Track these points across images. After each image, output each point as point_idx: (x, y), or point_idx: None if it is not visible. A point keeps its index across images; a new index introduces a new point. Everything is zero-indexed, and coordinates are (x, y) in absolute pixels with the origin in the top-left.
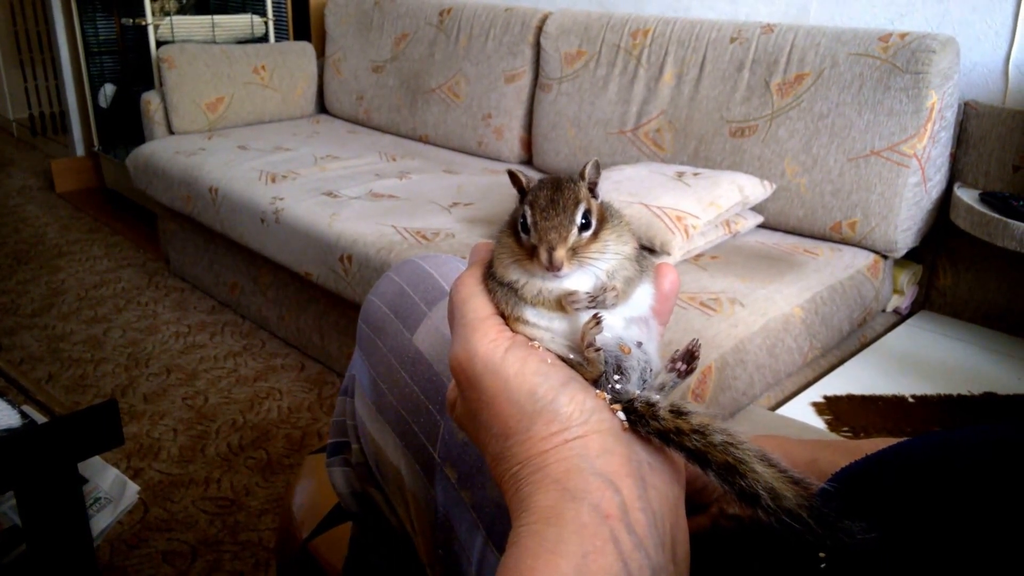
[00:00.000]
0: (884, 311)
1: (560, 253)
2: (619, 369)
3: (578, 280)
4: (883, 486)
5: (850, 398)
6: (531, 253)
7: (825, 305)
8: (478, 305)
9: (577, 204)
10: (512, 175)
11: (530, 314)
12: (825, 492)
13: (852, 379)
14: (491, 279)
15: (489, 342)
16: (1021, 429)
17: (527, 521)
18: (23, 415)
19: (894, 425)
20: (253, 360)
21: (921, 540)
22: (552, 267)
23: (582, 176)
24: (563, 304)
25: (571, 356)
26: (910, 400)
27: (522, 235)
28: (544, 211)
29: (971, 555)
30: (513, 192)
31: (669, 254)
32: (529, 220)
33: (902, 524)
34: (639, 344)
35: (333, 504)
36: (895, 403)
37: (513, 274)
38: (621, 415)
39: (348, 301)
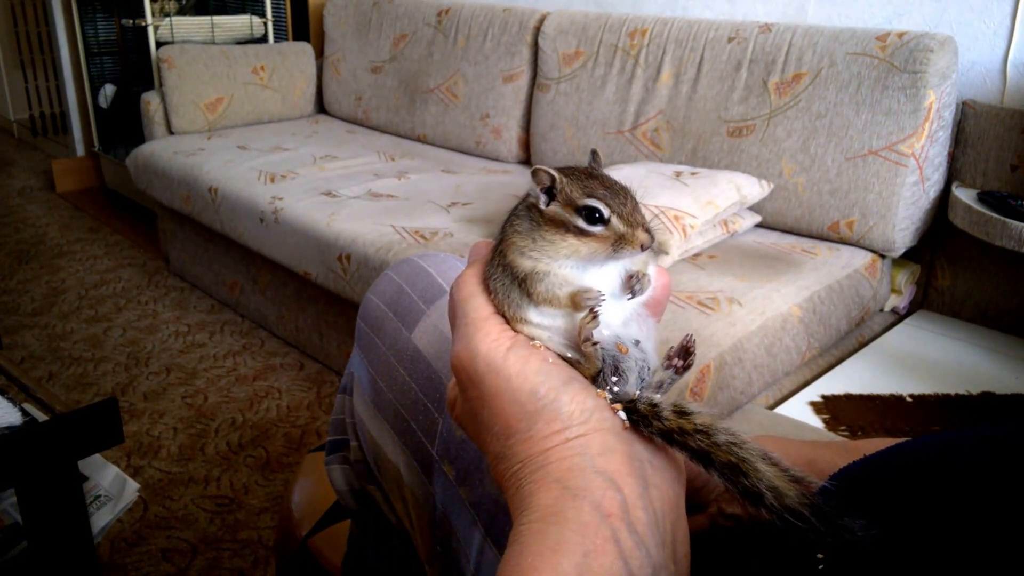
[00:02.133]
0: (882, 311)
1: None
2: (617, 371)
3: (600, 276)
4: (882, 486)
5: (848, 397)
6: (615, 242)
7: (823, 304)
8: (479, 304)
9: (628, 188)
10: (544, 174)
11: (533, 314)
12: (825, 490)
13: (850, 378)
14: (494, 279)
15: (491, 341)
16: (1020, 430)
17: (528, 520)
18: (24, 413)
19: (892, 424)
20: (252, 359)
21: (919, 540)
22: (653, 242)
23: (600, 165)
24: (575, 301)
25: (569, 354)
26: (908, 399)
27: (594, 228)
28: (617, 199)
29: (970, 555)
30: (511, 192)
31: (667, 254)
32: (606, 212)
33: (900, 524)
34: (636, 342)
35: (332, 502)
36: (893, 402)
37: (586, 275)
38: (622, 414)
39: (347, 300)
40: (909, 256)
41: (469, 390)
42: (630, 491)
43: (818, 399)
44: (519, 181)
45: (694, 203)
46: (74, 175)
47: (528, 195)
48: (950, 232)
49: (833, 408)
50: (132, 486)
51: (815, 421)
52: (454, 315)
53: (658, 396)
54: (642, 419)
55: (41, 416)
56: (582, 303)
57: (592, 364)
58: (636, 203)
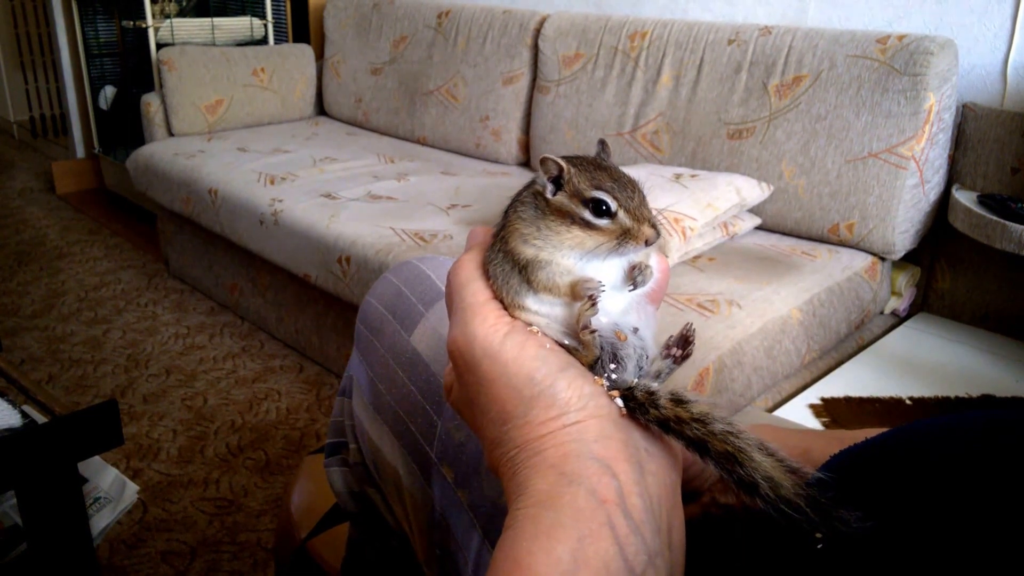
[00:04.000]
0: (882, 313)
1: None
2: (615, 358)
3: (602, 267)
4: (878, 470)
5: (848, 400)
6: (620, 236)
7: (823, 307)
8: (477, 289)
9: (636, 181)
10: (552, 163)
11: (531, 301)
12: (821, 481)
13: (850, 381)
14: (494, 265)
15: (488, 326)
16: (1016, 415)
17: (523, 505)
18: (24, 415)
19: (892, 427)
20: (252, 361)
21: (915, 523)
22: (659, 237)
23: (608, 155)
24: (575, 290)
25: (567, 341)
26: (908, 402)
27: (600, 221)
28: (625, 192)
29: (964, 540)
30: (510, 194)
31: (667, 256)
32: (613, 205)
33: (896, 507)
34: (635, 330)
35: (331, 504)
36: (893, 405)
37: (588, 266)
38: (619, 401)
39: (346, 302)
40: (909, 259)
41: (466, 375)
42: (626, 478)
43: (818, 402)
44: (519, 183)
45: (694, 205)
46: (74, 177)
47: (533, 181)
48: (950, 235)
49: (833, 411)
50: (132, 488)
51: (815, 423)
52: (451, 300)
53: (656, 384)
54: (639, 407)
55: (41, 418)
56: (582, 292)
57: (590, 351)
58: (643, 197)
